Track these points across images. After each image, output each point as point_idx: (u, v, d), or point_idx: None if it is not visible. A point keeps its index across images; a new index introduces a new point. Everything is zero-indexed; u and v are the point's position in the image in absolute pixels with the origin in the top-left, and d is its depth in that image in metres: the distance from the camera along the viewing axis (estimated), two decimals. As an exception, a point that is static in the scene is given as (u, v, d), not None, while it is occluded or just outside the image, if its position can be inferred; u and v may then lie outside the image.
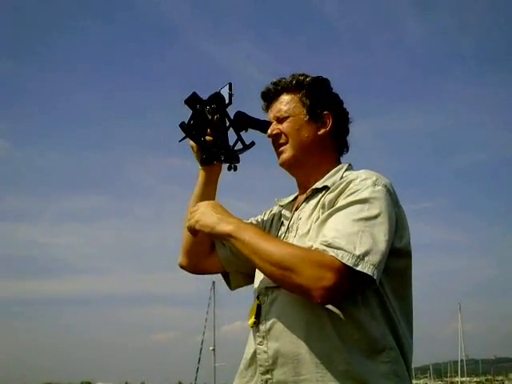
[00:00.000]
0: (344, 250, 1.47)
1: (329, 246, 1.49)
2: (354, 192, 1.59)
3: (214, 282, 42.70)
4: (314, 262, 1.47)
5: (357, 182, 1.61)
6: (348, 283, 1.48)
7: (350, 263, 1.46)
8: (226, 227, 1.61)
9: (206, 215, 1.66)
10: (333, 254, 1.47)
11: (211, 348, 43.57)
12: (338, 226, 1.53)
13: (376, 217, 1.54)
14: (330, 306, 1.55)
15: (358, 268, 1.46)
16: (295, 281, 1.48)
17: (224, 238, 1.66)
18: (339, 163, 1.81)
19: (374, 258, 1.48)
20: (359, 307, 1.56)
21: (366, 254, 1.48)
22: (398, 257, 1.61)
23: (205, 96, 1.76)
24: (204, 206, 1.70)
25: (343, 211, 1.56)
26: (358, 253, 1.47)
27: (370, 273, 1.46)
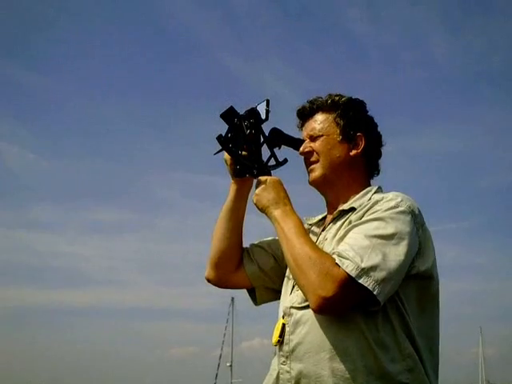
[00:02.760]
0: (350, 261, 1.48)
1: (338, 255, 1.51)
2: (375, 211, 1.60)
3: (232, 298, 42.73)
4: (322, 268, 1.49)
5: (381, 203, 1.62)
6: (348, 296, 1.49)
7: (353, 273, 1.46)
8: (274, 211, 1.69)
9: (265, 193, 1.73)
10: (338, 263, 1.49)
11: (228, 364, 43.33)
12: (350, 240, 1.55)
13: (391, 236, 1.53)
14: (353, 329, 1.54)
15: (360, 280, 1.46)
16: (301, 281, 1.54)
17: (269, 219, 1.72)
18: (369, 185, 1.81)
19: (380, 274, 1.48)
20: (381, 329, 1.55)
21: (371, 268, 1.48)
22: (421, 279, 1.61)
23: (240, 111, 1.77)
24: (270, 183, 1.75)
25: (359, 227, 1.58)
26: (363, 266, 1.48)
27: (370, 287, 1.46)
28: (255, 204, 1.75)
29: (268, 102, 1.77)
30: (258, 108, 1.78)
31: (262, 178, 1.76)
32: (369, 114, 1.85)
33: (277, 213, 1.68)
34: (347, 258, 1.49)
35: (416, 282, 1.60)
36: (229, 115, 1.75)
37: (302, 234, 1.62)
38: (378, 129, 1.86)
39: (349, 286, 1.47)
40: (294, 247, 1.57)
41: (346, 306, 1.53)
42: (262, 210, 1.73)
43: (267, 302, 1.96)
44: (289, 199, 1.72)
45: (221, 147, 1.76)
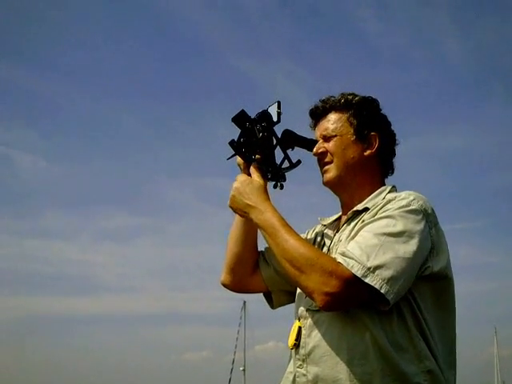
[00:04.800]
0: (355, 260, 1.47)
1: (343, 254, 1.50)
2: (387, 210, 1.59)
3: (244, 302, 42.69)
4: (324, 267, 1.47)
5: (393, 202, 1.61)
6: (354, 293, 1.48)
7: (358, 274, 1.45)
8: (253, 214, 1.66)
9: (239, 196, 1.70)
10: (342, 263, 1.47)
11: (241, 368, 43.31)
12: (359, 238, 1.54)
13: (400, 234, 1.52)
14: (369, 332, 1.53)
15: (366, 280, 1.45)
16: (303, 282, 1.51)
17: (251, 219, 1.69)
18: (383, 185, 1.79)
19: (387, 272, 1.46)
20: (396, 330, 1.54)
21: (378, 267, 1.46)
22: (436, 280, 1.59)
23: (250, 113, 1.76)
24: (241, 183, 1.72)
25: (369, 225, 1.57)
26: (369, 265, 1.46)
27: (377, 286, 1.45)
28: (231, 205, 1.74)
29: (279, 103, 1.75)
30: (269, 110, 1.76)
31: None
32: (382, 112, 1.83)
33: (255, 219, 1.66)
34: (352, 258, 1.48)
35: (431, 283, 1.59)
36: (240, 119, 1.74)
37: (287, 233, 1.58)
38: (392, 127, 1.84)
39: (355, 284, 1.46)
40: (287, 251, 1.55)
41: (353, 302, 1.52)
42: (239, 210, 1.72)
43: (284, 305, 1.94)
44: (262, 196, 1.69)
45: (234, 152, 1.75)
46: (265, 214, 1.63)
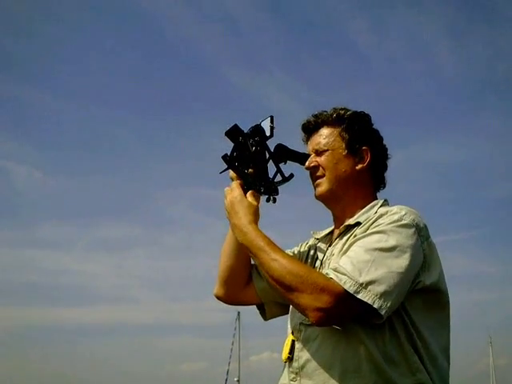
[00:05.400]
0: (348, 276, 1.47)
1: (335, 270, 1.51)
2: (379, 225, 1.59)
3: (238, 313, 42.49)
4: (315, 283, 1.47)
5: (385, 217, 1.61)
6: (347, 309, 1.48)
7: (351, 290, 1.46)
8: (239, 235, 1.66)
9: (228, 213, 1.71)
10: (334, 279, 1.48)
11: (235, 379, 43.05)
12: (351, 253, 1.55)
13: (392, 249, 1.52)
14: (362, 346, 1.54)
15: (359, 296, 1.46)
16: (295, 299, 1.51)
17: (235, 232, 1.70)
18: (375, 199, 1.80)
19: (379, 288, 1.47)
20: (389, 344, 1.55)
21: (370, 283, 1.47)
22: (428, 293, 1.60)
23: (243, 127, 1.77)
24: (231, 200, 1.72)
25: (361, 240, 1.57)
26: (361, 281, 1.47)
27: (370, 302, 1.46)
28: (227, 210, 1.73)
29: (272, 118, 1.76)
30: (262, 125, 1.77)
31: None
32: (374, 126, 1.85)
33: (240, 238, 1.66)
34: (344, 274, 1.48)
35: (423, 296, 1.60)
36: (233, 133, 1.74)
37: (272, 250, 1.58)
38: (384, 141, 1.85)
39: (347, 300, 1.47)
40: (274, 270, 1.54)
41: (346, 317, 1.52)
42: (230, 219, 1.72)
43: (276, 317, 1.95)
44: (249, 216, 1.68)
45: (227, 166, 1.76)
46: (248, 235, 1.62)
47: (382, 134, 1.86)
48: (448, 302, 1.68)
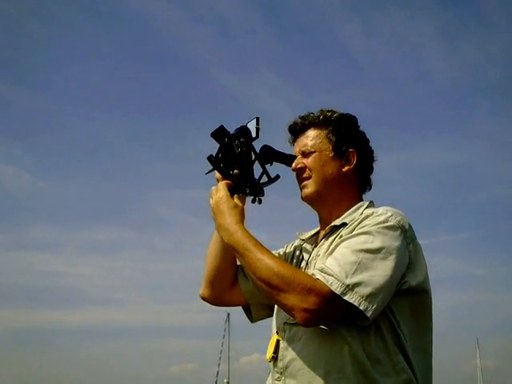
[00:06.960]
0: (334, 277, 1.48)
1: (321, 270, 1.51)
2: (364, 226, 1.60)
3: (228, 314, 42.48)
4: (302, 284, 1.48)
5: (371, 218, 1.62)
6: (333, 310, 1.49)
7: (337, 291, 1.46)
8: (224, 235, 1.65)
9: (213, 214, 1.70)
10: (321, 279, 1.48)
11: (225, 380, 43.00)
12: (336, 255, 1.55)
13: (378, 251, 1.53)
14: (347, 345, 1.54)
15: (345, 297, 1.46)
16: (282, 300, 1.51)
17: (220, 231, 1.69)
18: (361, 200, 1.81)
19: (366, 290, 1.48)
20: (374, 344, 1.55)
21: (356, 284, 1.48)
22: (413, 294, 1.61)
23: (230, 129, 1.78)
24: (216, 201, 1.71)
25: (347, 241, 1.58)
26: (348, 282, 1.48)
27: (356, 304, 1.47)
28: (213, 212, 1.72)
29: (258, 119, 1.76)
30: (248, 126, 1.78)
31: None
32: (360, 129, 1.86)
33: (227, 239, 1.65)
34: (331, 275, 1.49)
35: (408, 297, 1.60)
36: (219, 134, 1.75)
37: (258, 251, 1.58)
38: (370, 144, 1.86)
39: (334, 301, 1.47)
40: (259, 270, 1.54)
41: (332, 318, 1.53)
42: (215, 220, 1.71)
43: (263, 318, 1.95)
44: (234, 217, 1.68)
45: (212, 167, 1.77)
46: (235, 235, 1.62)
47: (370, 137, 1.87)
48: (431, 304, 1.69)
